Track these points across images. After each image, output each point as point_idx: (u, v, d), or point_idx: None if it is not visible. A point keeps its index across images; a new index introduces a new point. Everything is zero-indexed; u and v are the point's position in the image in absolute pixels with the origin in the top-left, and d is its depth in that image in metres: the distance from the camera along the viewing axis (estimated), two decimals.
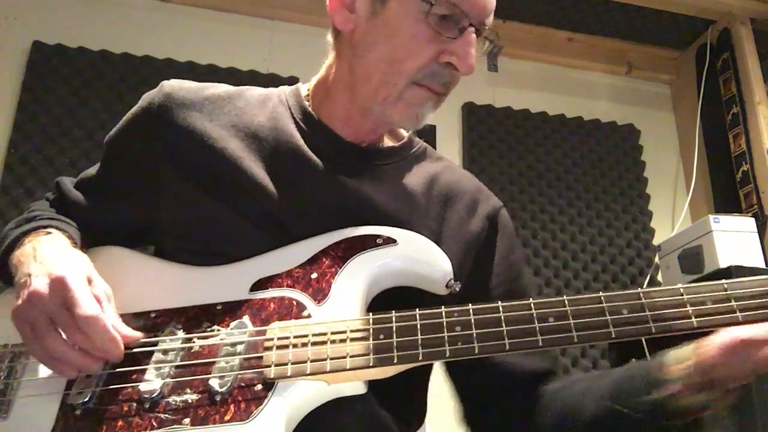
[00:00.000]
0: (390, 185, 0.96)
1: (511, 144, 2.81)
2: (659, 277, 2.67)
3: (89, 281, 0.80)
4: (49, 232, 0.92)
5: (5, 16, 2.43)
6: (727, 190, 2.75)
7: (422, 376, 0.99)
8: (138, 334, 0.80)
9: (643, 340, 2.25)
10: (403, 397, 0.91)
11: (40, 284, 0.77)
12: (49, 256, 0.83)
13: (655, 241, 2.76)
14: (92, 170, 1.04)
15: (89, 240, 0.97)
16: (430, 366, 1.00)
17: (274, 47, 2.67)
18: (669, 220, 2.93)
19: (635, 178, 2.92)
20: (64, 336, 0.77)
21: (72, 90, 2.39)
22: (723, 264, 2.22)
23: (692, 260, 2.35)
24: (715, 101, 2.87)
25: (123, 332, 0.79)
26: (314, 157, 0.93)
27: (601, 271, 2.70)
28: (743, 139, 2.70)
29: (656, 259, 2.69)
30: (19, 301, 0.78)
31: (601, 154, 2.92)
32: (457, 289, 0.84)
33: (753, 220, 2.39)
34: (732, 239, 2.29)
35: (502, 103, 2.89)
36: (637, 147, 2.99)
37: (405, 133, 1.06)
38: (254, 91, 1.03)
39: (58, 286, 0.77)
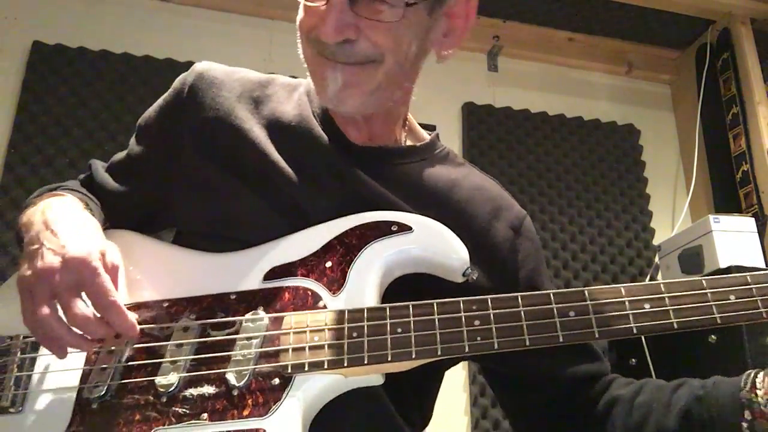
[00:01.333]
0: (406, 186, 0.94)
1: (511, 144, 2.81)
2: (659, 277, 2.67)
3: (103, 255, 0.79)
4: (63, 195, 0.91)
5: (5, 16, 2.42)
6: (727, 190, 2.75)
7: (435, 378, 0.98)
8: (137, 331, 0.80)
9: (643, 339, 2.27)
10: (414, 398, 0.91)
11: (53, 261, 0.75)
12: (62, 225, 0.81)
13: (655, 241, 2.76)
14: (123, 152, 1.04)
15: (109, 221, 0.96)
16: (443, 369, 0.99)
17: (274, 47, 2.67)
18: (669, 220, 2.93)
19: (635, 178, 2.93)
20: (61, 314, 0.76)
21: (72, 90, 2.38)
22: (723, 264, 2.21)
23: (692, 260, 2.35)
24: (715, 101, 2.87)
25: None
26: (333, 152, 0.92)
27: (601, 271, 2.70)
28: (743, 139, 2.70)
29: (656, 259, 2.69)
30: (28, 272, 0.76)
31: (601, 154, 2.92)
32: (474, 278, 0.82)
33: (753, 220, 2.39)
34: (732, 239, 2.29)
35: (502, 103, 2.89)
36: (637, 147, 2.99)
37: (426, 135, 1.05)
38: (284, 79, 1.03)
39: (74, 268, 0.75)
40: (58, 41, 2.41)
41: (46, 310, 0.75)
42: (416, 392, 0.92)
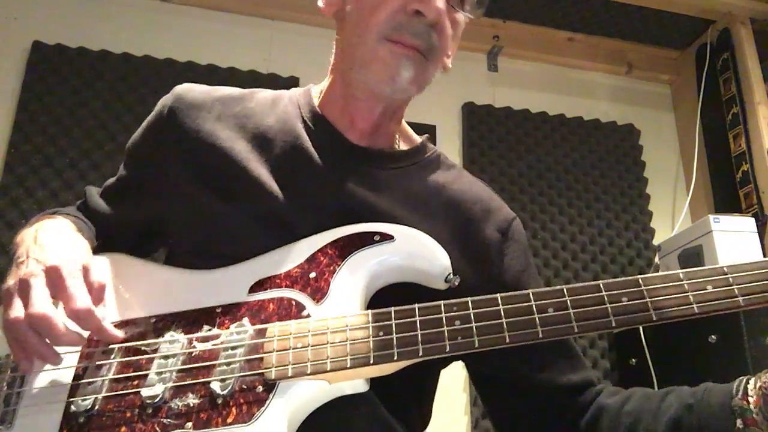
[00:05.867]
0: (396, 191, 0.94)
1: (511, 144, 2.81)
2: None
3: (86, 270, 0.80)
4: (55, 217, 0.93)
5: (5, 16, 2.43)
6: (727, 190, 2.75)
7: (430, 381, 0.99)
8: (119, 336, 0.81)
9: (644, 341, 2.27)
10: (410, 402, 0.91)
11: (34, 269, 0.77)
12: (49, 240, 0.83)
13: (655, 241, 2.77)
14: (115, 177, 1.06)
15: (105, 245, 0.98)
16: (438, 371, 0.99)
17: (274, 47, 2.67)
18: (669, 220, 2.93)
19: (635, 178, 2.92)
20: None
21: (72, 90, 2.38)
22: (723, 264, 2.21)
23: (692, 260, 2.35)
24: (715, 101, 2.87)
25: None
26: (318, 159, 0.92)
27: (601, 271, 2.70)
28: (743, 139, 2.70)
29: (656, 259, 2.69)
30: (11, 281, 0.78)
31: (601, 154, 2.92)
32: (456, 284, 0.83)
33: (753, 220, 2.39)
34: (732, 239, 2.29)
35: (502, 103, 2.89)
36: (637, 147, 2.99)
37: (417, 139, 1.05)
38: (266, 93, 1.04)
39: (51, 275, 0.77)
40: (58, 41, 2.42)
41: (18, 312, 0.75)
42: (413, 392, 0.92)
